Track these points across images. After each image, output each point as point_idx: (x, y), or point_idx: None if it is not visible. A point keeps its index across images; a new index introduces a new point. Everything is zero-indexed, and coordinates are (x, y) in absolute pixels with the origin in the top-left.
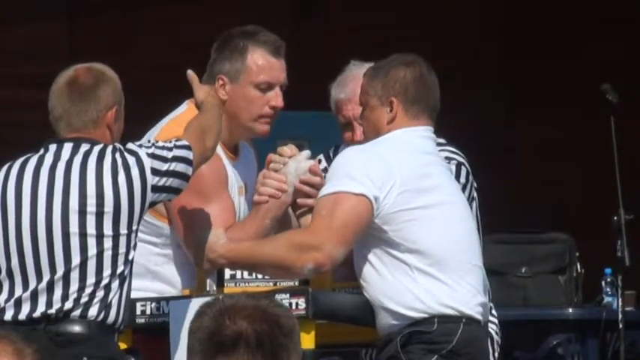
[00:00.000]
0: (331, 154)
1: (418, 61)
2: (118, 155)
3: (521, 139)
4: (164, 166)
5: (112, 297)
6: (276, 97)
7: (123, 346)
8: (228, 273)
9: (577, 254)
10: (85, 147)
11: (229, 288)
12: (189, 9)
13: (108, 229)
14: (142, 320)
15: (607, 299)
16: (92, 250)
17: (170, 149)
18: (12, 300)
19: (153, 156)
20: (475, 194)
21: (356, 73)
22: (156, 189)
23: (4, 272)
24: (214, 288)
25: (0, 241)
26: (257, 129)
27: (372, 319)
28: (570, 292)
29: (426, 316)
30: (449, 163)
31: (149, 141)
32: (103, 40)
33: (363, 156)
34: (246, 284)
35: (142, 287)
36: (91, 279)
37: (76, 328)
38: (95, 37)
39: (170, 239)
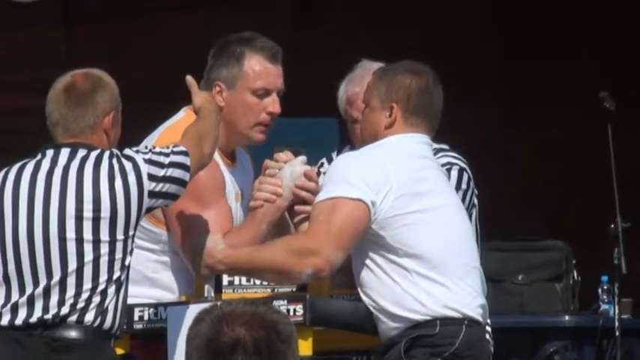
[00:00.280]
0: (334, 158)
1: (426, 71)
2: (114, 161)
3: (520, 142)
4: (161, 172)
5: (109, 302)
6: (273, 104)
7: (120, 351)
8: (226, 279)
9: (574, 262)
10: (82, 152)
11: (227, 294)
12: (187, 15)
13: (104, 235)
14: (140, 326)
15: (604, 307)
16: (89, 256)
17: (167, 155)
18: (8, 305)
19: (150, 162)
20: (476, 201)
21: (370, 68)
22: (153, 194)
23: (0, 277)
24: (212, 294)
25: None
26: (253, 137)
27: (370, 326)
28: (567, 300)
29: (427, 318)
30: (450, 168)
31: (146, 147)
32: (100, 47)
33: (359, 161)
34: (244, 290)
35: (140, 294)
36: (87, 284)
37: (73, 334)
38: (92, 44)
39: (168, 246)
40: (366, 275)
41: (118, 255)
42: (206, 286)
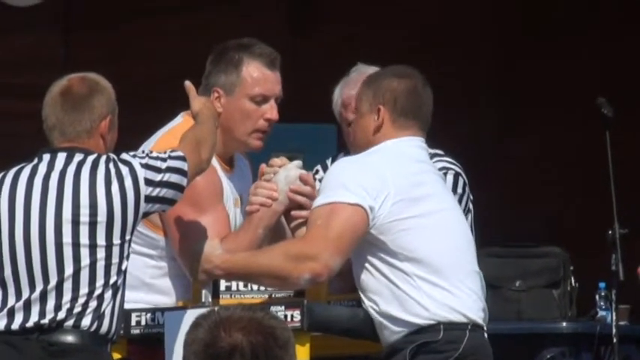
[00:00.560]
0: (329, 164)
1: (414, 74)
2: (111, 165)
3: (520, 142)
4: (158, 177)
5: (105, 307)
6: (271, 110)
7: (117, 356)
8: (223, 284)
9: (571, 268)
10: (78, 157)
11: (225, 299)
12: (185, 20)
13: (101, 239)
14: (137, 331)
15: (601, 313)
16: (85, 260)
17: (164, 160)
18: (5, 310)
19: (146, 166)
20: (471, 206)
21: (365, 72)
22: (149, 199)
23: None
24: (210, 299)
25: None
26: (251, 144)
27: (367, 332)
28: (564, 306)
29: (431, 322)
30: (446, 172)
31: (143, 151)
32: (98, 51)
33: (356, 167)
34: (242, 296)
35: (137, 299)
36: (84, 289)
37: (69, 338)
38: (90, 48)
39: (165, 252)
40: (368, 280)
41: (115, 259)
42: (203, 292)
